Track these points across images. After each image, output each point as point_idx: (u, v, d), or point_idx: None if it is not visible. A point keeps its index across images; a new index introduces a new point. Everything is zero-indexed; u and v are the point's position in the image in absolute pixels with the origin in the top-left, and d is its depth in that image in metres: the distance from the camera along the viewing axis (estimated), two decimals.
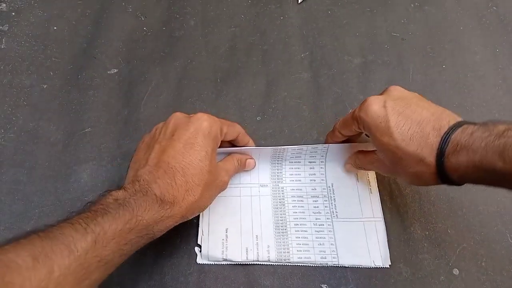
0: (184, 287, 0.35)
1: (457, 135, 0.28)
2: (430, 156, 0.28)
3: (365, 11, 0.53)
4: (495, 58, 0.49)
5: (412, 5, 0.53)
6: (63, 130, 0.43)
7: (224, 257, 0.36)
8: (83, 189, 0.40)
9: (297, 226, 0.38)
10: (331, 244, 0.37)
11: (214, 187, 0.33)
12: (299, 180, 0.40)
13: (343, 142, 0.39)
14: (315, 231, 0.37)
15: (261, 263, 0.36)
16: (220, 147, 0.35)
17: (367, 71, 0.48)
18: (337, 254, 0.36)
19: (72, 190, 0.40)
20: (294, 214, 0.38)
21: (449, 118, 0.29)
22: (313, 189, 0.39)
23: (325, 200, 0.39)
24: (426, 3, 0.53)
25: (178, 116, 0.34)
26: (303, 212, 0.38)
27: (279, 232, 0.37)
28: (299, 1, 0.53)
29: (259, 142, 0.43)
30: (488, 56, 0.49)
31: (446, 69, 0.48)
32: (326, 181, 0.40)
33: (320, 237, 0.37)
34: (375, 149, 0.35)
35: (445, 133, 0.28)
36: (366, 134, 0.35)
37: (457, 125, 0.28)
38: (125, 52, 0.49)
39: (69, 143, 0.42)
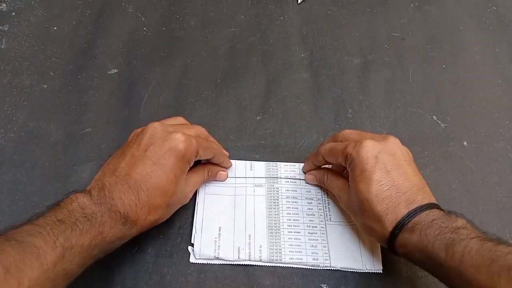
0: (184, 287, 0.35)
1: (421, 216, 0.29)
2: (389, 223, 0.30)
3: (365, 11, 0.53)
4: (495, 58, 0.49)
5: (412, 5, 0.53)
6: (63, 130, 0.43)
7: (216, 255, 0.36)
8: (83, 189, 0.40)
9: (290, 227, 0.38)
10: (324, 246, 0.37)
11: (175, 205, 0.34)
12: (294, 182, 0.40)
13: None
14: (308, 233, 0.37)
15: (253, 263, 0.36)
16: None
17: (367, 71, 0.48)
18: (329, 257, 0.36)
19: (72, 190, 0.40)
20: (288, 215, 0.38)
21: (423, 197, 0.30)
22: (307, 191, 0.40)
23: (319, 203, 0.39)
24: (426, 3, 0.54)
25: (156, 129, 0.33)
26: (297, 214, 0.38)
27: (272, 233, 0.37)
28: (299, 1, 0.53)
29: (259, 142, 0.43)
30: (488, 56, 0.49)
31: (446, 69, 0.48)
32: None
33: (313, 239, 0.37)
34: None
35: (413, 209, 0.29)
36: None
37: (427, 207, 0.29)
38: (125, 52, 0.49)
39: (69, 143, 0.42)
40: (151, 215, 0.31)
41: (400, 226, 0.29)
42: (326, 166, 0.39)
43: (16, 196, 0.39)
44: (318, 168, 0.39)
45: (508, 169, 0.42)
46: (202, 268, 0.36)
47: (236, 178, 0.40)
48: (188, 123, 0.38)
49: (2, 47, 0.48)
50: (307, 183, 0.40)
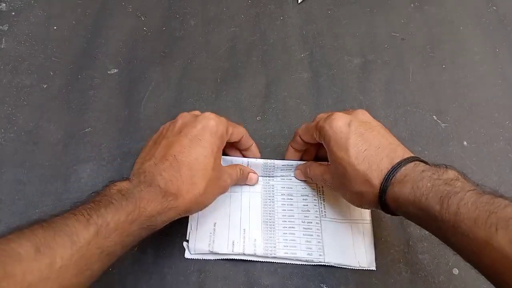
0: (184, 287, 0.35)
1: (407, 167, 0.29)
2: (376, 179, 0.29)
3: (365, 11, 0.53)
4: (495, 58, 0.49)
5: (412, 5, 0.53)
6: (63, 130, 0.43)
7: (211, 249, 0.36)
8: (83, 189, 0.40)
9: (285, 222, 0.38)
10: (318, 242, 0.37)
11: (217, 186, 0.33)
12: (290, 179, 0.40)
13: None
14: (303, 228, 0.38)
15: (247, 257, 0.36)
16: (224, 150, 0.35)
17: (367, 71, 0.48)
18: (323, 252, 0.36)
19: (72, 190, 0.40)
20: (283, 211, 0.39)
21: (404, 152, 0.30)
22: (303, 188, 0.40)
23: (315, 199, 0.39)
24: (426, 3, 0.53)
25: (185, 115, 0.34)
26: (292, 210, 0.39)
27: (267, 227, 0.38)
28: (299, 1, 0.53)
29: (259, 142, 0.43)
30: (488, 56, 0.49)
31: (446, 69, 0.48)
32: (316, 183, 0.40)
33: (308, 235, 0.37)
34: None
35: (397, 162, 0.29)
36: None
37: (410, 159, 0.29)
38: (125, 52, 0.49)
39: (69, 143, 0.42)
40: (194, 189, 0.30)
41: (387, 178, 0.29)
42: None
43: (16, 196, 0.39)
44: (300, 156, 0.40)
45: (508, 169, 0.42)
46: (202, 268, 0.36)
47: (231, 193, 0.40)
48: None
49: (2, 47, 0.48)
50: (299, 179, 0.40)
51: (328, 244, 0.37)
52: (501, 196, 0.24)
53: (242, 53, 0.49)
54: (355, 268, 0.36)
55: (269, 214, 0.38)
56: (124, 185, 0.29)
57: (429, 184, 0.27)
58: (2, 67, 0.47)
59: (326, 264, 0.36)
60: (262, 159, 0.40)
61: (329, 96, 0.46)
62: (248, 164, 0.39)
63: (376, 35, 0.51)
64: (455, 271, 0.36)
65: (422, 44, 0.50)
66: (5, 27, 0.50)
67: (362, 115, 0.34)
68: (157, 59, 0.49)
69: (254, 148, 0.39)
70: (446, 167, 0.28)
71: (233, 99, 0.46)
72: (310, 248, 0.36)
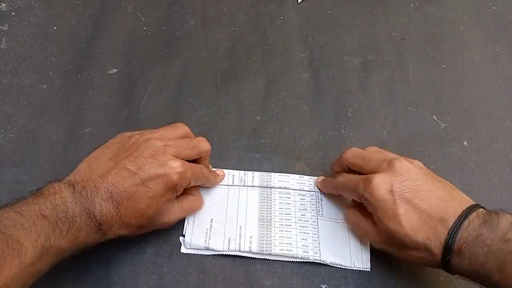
0: (183, 287, 0.35)
1: (463, 232, 0.28)
2: (437, 248, 0.29)
3: (365, 11, 0.53)
4: (495, 58, 0.49)
5: (412, 5, 0.53)
6: (63, 130, 0.43)
7: (207, 246, 0.36)
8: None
9: (282, 220, 0.38)
10: (314, 240, 0.37)
11: (149, 228, 0.33)
12: (287, 182, 0.40)
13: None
14: (300, 226, 0.38)
15: (243, 254, 0.36)
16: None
17: (367, 71, 0.48)
18: (319, 250, 0.36)
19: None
20: (280, 209, 0.39)
21: (455, 205, 0.29)
22: (300, 187, 0.40)
23: (312, 198, 0.39)
24: (426, 3, 0.53)
25: (157, 147, 0.31)
26: (289, 209, 0.39)
27: (263, 225, 0.38)
28: (299, 1, 0.53)
29: (259, 142, 0.43)
30: (488, 56, 0.49)
31: (446, 69, 0.48)
32: (314, 185, 0.40)
33: (304, 232, 0.37)
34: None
35: (451, 227, 0.28)
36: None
37: (463, 217, 0.28)
38: (125, 52, 0.49)
39: (69, 143, 0.42)
40: (122, 230, 0.31)
41: (448, 250, 0.28)
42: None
43: (16, 196, 0.39)
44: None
45: (508, 169, 0.42)
46: (202, 268, 0.36)
47: (230, 186, 0.40)
48: (189, 131, 0.37)
49: (2, 47, 0.48)
50: (298, 183, 0.40)
51: (324, 242, 0.37)
52: None
53: (242, 53, 0.49)
54: (350, 268, 0.36)
55: (266, 211, 0.38)
56: (68, 197, 0.28)
57: (485, 249, 0.26)
58: (2, 67, 0.47)
59: (322, 262, 0.36)
60: (258, 172, 0.40)
61: (329, 96, 0.46)
62: (245, 174, 0.40)
63: (376, 35, 0.51)
64: None
65: (422, 44, 0.50)
66: (5, 27, 0.50)
67: (400, 168, 0.31)
68: (157, 59, 0.48)
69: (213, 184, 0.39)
70: (498, 215, 0.27)
71: (233, 99, 0.46)
72: (306, 246, 0.37)
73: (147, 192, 0.30)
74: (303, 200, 0.39)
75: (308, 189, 0.40)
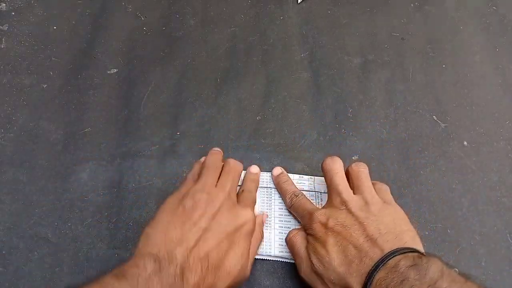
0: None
1: (387, 272, 0.26)
2: (356, 284, 0.28)
3: (365, 11, 0.53)
4: (495, 58, 0.49)
5: (412, 5, 0.53)
6: (63, 130, 0.43)
7: None
8: (83, 189, 0.40)
9: (281, 221, 0.38)
10: None
11: (237, 284, 0.32)
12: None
13: None
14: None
15: None
16: None
17: (367, 71, 0.48)
18: None
19: (72, 190, 0.40)
20: (280, 209, 0.39)
21: (383, 246, 0.28)
22: (301, 188, 0.40)
23: (312, 199, 0.39)
24: (426, 3, 0.53)
25: (224, 200, 0.32)
26: (289, 212, 0.39)
27: (264, 228, 0.38)
28: (299, 1, 0.53)
29: (259, 142, 0.43)
30: (488, 56, 0.49)
31: (446, 69, 0.48)
32: (314, 185, 0.40)
33: None
34: None
35: (374, 264, 0.27)
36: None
37: (390, 255, 0.27)
38: (125, 52, 0.49)
39: (69, 143, 0.42)
40: None
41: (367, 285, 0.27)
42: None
43: (16, 196, 0.39)
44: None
45: (508, 169, 0.42)
46: None
47: None
48: (220, 157, 0.37)
49: (2, 47, 0.48)
50: (298, 183, 0.40)
51: None
52: None
53: (242, 53, 0.49)
54: None
55: (266, 213, 0.38)
56: (154, 281, 0.25)
57: None
58: (2, 67, 0.47)
59: None
60: (266, 172, 0.40)
61: (329, 96, 0.46)
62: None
63: (376, 35, 0.51)
64: (455, 271, 0.36)
65: (422, 44, 0.50)
66: (5, 27, 0.50)
67: (339, 208, 0.32)
68: (157, 59, 0.48)
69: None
70: (429, 261, 0.26)
71: (233, 99, 0.46)
72: None
73: (234, 247, 0.30)
74: None
75: (308, 189, 0.40)
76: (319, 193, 0.39)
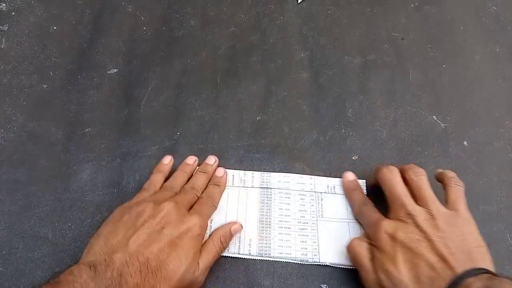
0: None
1: None
2: None
3: (365, 11, 0.53)
4: (495, 58, 0.49)
5: (412, 5, 0.53)
6: (63, 130, 0.43)
7: None
8: (83, 189, 0.40)
9: (281, 222, 0.38)
10: (314, 242, 0.37)
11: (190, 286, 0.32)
12: (287, 182, 0.40)
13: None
14: (299, 228, 0.38)
15: (242, 256, 0.36)
16: None
17: (367, 71, 0.48)
18: (318, 252, 0.36)
19: (72, 190, 0.40)
20: (280, 210, 0.39)
21: (453, 269, 0.28)
22: (301, 187, 0.40)
23: (312, 199, 0.39)
24: (426, 3, 0.53)
25: (172, 209, 0.32)
26: (289, 210, 0.39)
27: (263, 227, 0.38)
28: (299, 1, 0.53)
29: (259, 142, 0.43)
30: (488, 56, 0.49)
31: (446, 69, 0.48)
32: (314, 187, 0.40)
33: (303, 235, 0.37)
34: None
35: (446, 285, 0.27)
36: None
37: (462, 277, 0.27)
38: (125, 52, 0.49)
39: (69, 143, 0.42)
40: None
41: None
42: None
43: (16, 196, 0.39)
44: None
45: (508, 169, 0.42)
46: None
47: (229, 187, 0.40)
48: (169, 166, 0.40)
49: (2, 47, 0.48)
50: (298, 183, 0.40)
51: (323, 244, 0.37)
52: None
53: (242, 53, 0.49)
54: (351, 267, 0.36)
55: (266, 214, 0.38)
56: (88, 284, 0.25)
57: None
58: (2, 67, 0.47)
59: (321, 263, 0.36)
60: (258, 172, 0.40)
61: (329, 96, 0.46)
62: (245, 174, 0.40)
63: (376, 35, 0.51)
64: None
65: (422, 44, 0.50)
66: (5, 27, 0.50)
67: (408, 223, 0.32)
68: (157, 59, 0.48)
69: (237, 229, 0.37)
70: (500, 282, 0.26)
71: (233, 99, 0.46)
72: (305, 248, 0.37)
73: (177, 251, 0.30)
74: (303, 201, 0.39)
75: (308, 189, 0.40)
76: (319, 193, 0.39)
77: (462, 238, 0.30)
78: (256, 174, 0.40)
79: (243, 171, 0.40)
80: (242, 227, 0.37)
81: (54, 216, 0.38)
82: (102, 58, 0.48)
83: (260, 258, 0.36)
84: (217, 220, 0.38)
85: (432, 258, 0.29)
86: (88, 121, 0.44)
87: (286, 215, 0.38)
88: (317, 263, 0.36)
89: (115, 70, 0.47)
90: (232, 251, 0.36)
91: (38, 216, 0.38)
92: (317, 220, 0.38)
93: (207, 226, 0.33)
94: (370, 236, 0.34)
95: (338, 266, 0.36)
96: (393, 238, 0.31)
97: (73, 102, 0.45)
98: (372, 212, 0.35)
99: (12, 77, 0.46)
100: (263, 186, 0.40)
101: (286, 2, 0.53)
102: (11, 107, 0.44)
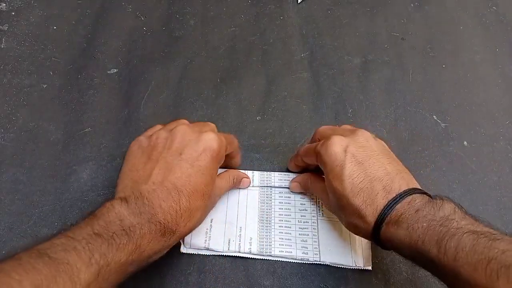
0: (184, 287, 0.35)
1: (403, 205, 0.28)
2: (371, 216, 0.28)
3: (365, 11, 0.53)
4: (495, 58, 0.49)
5: (412, 5, 0.53)
6: (63, 130, 0.43)
7: (206, 246, 0.36)
8: (83, 189, 0.40)
9: (281, 221, 0.38)
10: (314, 241, 0.37)
11: (210, 208, 0.34)
12: (287, 181, 0.40)
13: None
14: (299, 228, 0.38)
15: (242, 255, 0.36)
16: None
17: (367, 71, 0.48)
18: (319, 251, 0.36)
19: (72, 190, 0.40)
20: (280, 210, 0.39)
21: (401, 182, 0.29)
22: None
23: (312, 198, 0.39)
24: (426, 3, 0.54)
25: (185, 129, 0.32)
26: (289, 209, 0.39)
27: (263, 226, 0.38)
28: (299, 1, 0.53)
29: (259, 142, 0.43)
30: (488, 56, 0.49)
31: (446, 69, 0.48)
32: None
33: (304, 234, 0.37)
34: None
35: (392, 198, 0.28)
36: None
37: (407, 193, 0.28)
38: (125, 52, 0.49)
39: (69, 143, 0.42)
40: (191, 221, 0.29)
41: (381, 218, 0.28)
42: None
43: (16, 196, 0.39)
44: (301, 173, 0.39)
45: (508, 169, 0.42)
46: (202, 268, 0.36)
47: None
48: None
49: (2, 46, 0.48)
50: (295, 192, 0.40)
51: (323, 243, 0.37)
52: (498, 235, 0.24)
53: (242, 53, 0.49)
54: (352, 267, 0.36)
55: (266, 213, 0.38)
56: (123, 212, 0.27)
57: (424, 224, 0.26)
58: (2, 67, 0.47)
59: (322, 263, 0.36)
60: (258, 171, 0.40)
61: (329, 96, 0.46)
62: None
63: (376, 35, 0.51)
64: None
65: (422, 44, 0.50)
66: (5, 27, 0.50)
67: (362, 137, 0.32)
68: (157, 59, 0.48)
69: (239, 156, 0.39)
70: (443, 200, 0.27)
71: (233, 99, 0.46)
72: (306, 248, 0.37)
73: (199, 171, 0.30)
74: (303, 200, 0.39)
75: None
76: None
77: (397, 162, 0.32)
78: (256, 173, 0.40)
79: (243, 171, 0.40)
80: (250, 183, 0.39)
81: (54, 216, 0.38)
82: (102, 58, 0.48)
83: (261, 257, 0.36)
84: (217, 219, 0.38)
85: (381, 173, 0.30)
86: (88, 121, 0.44)
87: (286, 215, 0.38)
88: (317, 262, 0.36)
89: (115, 70, 0.47)
90: (232, 249, 0.36)
91: (38, 216, 0.38)
92: (317, 220, 0.38)
93: (224, 144, 0.32)
94: (317, 157, 0.33)
95: (338, 266, 0.36)
96: (345, 150, 0.31)
97: (73, 102, 0.45)
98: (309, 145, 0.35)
99: (12, 77, 0.46)
100: (263, 185, 0.40)
101: (286, 2, 0.53)
102: (11, 107, 0.44)
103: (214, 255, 0.37)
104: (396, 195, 0.28)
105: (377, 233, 0.28)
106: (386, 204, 0.28)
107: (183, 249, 0.37)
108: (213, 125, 0.35)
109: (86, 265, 0.23)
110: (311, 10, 0.53)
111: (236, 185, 0.38)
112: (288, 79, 0.47)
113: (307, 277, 0.36)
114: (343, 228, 0.37)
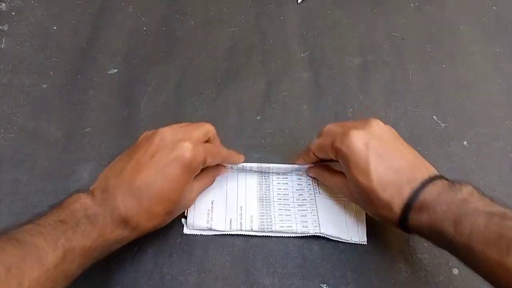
0: (184, 287, 0.35)
1: (425, 192, 0.29)
2: (397, 207, 0.30)
3: (365, 11, 0.53)
4: (495, 58, 0.49)
5: (412, 5, 0.53)
6: (63, 130, 0.43)
7: (209, 227, 0.37)
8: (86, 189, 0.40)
9: (280, 200, 0.39)
10: (313, 215, 0.38)
11: (177, 212, 0.34)
12: (285, 177, 0.41)
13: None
14: (298, 204, 0.39)
15: (244, 232, 0.37)
16: None
17: (367, 71, 0.48)
18: (318, 224, 0.37)
19: (72, 190, 0.39)
20: (278, 190, 0.40)
21: (423, 170, 0.31)
22: (297, 170, 0.40)
23: (308, 179, 0.40)
24: (426, 3, 0.54)
25: (165, 135, 0.32)
26: (287, 189, 0.40)
27: (263, 204, 0.39)
28: (299, 1, 0.53)
29: (259, 142, 0.43)
30: (488, 56, 0.49)
31: (446, 69, 0.48)
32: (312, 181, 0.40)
33: (303, 210, 0.38)
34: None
35: (416, 188, 0.29)
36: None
37: (429, 181, 0.29)
38: (125, 52, 0.49)
39: (69, 143, 0.42)
40: (151, 222, 0.31)
41: (408, 208, 0.29)
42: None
43: (16, 196, 0.39)
44: (312, 165, 0.39)
45: (508, 169, 0.42)
46: (202, 268, 0.36)
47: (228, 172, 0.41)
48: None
49: (2, 47, 0.48)
50: (295, 169, 0.40)
51: (322, 216, 0.38)
52: (510, 214, 0.25)
53: (242, 53, 0.49)
54: (347, 241, 0.37)
55: (265, 193, 0.39)
56: (88, 202, 0.29)
57: (444, 207, 0.28)
58: (2, 67, 0.47)
59: (321, 234, 0.37)
60: (257, 164, 0.40)
61: (329, 96, 0.46)
62: (243, 167, 0.40)
63: (376, 35, 0.51)
64: (455, 271, 0.36)
65: (422, 44, 0.50)
66: (5, 27, 0.50)
67: (377, 127, 0.33)
68: (157, 59, 0.48)
69: (237, 159, 0.39)
70: (461, 184, 0.29)
71: (233, 99, 0.46)
72: (306, 221, 0.37)
73: (165, 177, 0.30)
74: (300, 181, 0.40)
75: (305, 171, 0.40)
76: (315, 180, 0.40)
77: (414, 152, 0.33)
78: (254, 164, 0.40)
79: (241, 164, 0.40)
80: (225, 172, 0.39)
81: None
82: (102, 58, 0.48)
83: (263, 233, 0.37)
84: (218, 201, 0.39)
85: (403, 163, 0.31)
86: (88, 121, 0.44)
87: (284, 194, 0.39)
88: (318, 234, 0.37)
89: (115, 70, 0.47)
90: (234, 228, 0.37)
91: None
92: (314, 197, 0.39)
93: (200, 156, 0.32)
94: (336, 153, 0.33)
95: (337, 240, 0.37)
96: (366, 145, 0.31)
97: (73, 102, 0.45)
98: (328, 135, 0.35)
99: (12, 77, 0.46)
100: (261, 171, 0.40)
101: (286, 2, 0.53)
102: (11, 107, 0.44)
103: (214, 252, 0.37)
104: (419, 184, 0.29)
105: (405, 222, 0.30)
106: (412, 193, 0.29)
107: (186, 231, 0.37)
108: (207, 126, 0.35)
109: (52, 248, 0.25)
110: (311, 10, 0.53)
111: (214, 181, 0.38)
112: (288, 79, 0.47)
113: (307, 277, 0.36)
114: (339, 205, 0.38)
